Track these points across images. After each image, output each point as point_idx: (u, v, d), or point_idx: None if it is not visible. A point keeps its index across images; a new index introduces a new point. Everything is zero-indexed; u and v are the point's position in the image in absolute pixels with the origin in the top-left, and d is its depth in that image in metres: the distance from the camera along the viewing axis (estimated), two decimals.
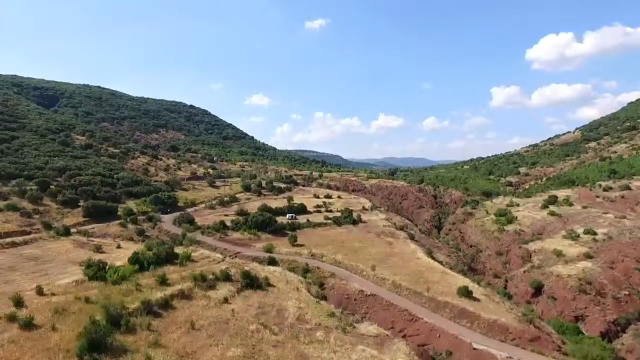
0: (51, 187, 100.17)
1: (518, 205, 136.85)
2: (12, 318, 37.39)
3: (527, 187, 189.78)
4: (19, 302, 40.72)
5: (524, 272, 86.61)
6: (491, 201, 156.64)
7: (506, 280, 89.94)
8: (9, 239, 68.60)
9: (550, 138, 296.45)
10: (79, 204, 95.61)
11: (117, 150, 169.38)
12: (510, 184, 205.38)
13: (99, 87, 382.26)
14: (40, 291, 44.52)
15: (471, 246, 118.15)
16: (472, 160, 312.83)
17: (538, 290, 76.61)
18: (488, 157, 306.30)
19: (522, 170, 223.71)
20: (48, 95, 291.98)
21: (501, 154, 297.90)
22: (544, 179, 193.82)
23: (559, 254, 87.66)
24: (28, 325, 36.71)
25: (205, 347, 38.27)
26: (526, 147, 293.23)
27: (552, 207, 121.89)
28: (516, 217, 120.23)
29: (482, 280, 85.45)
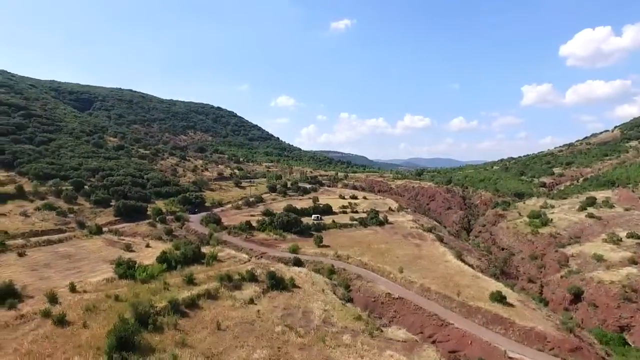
0: (85, 187, 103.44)
1: (553, 207, 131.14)
2: (46, 314, 38.45)
3: (562, 188, 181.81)
4: (53, 299, 41.86)
5: (561, 277, 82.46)
6: (523, 202, 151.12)
7: (542, 286, 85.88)
8: (45, 237, 71.11)
9: (586, 137, 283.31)
10: (111, 203, 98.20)
11: (147, 152, 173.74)
12: (543, 184, 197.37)
13: (131, 90, 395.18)
14: (73, 288, 45.67)
15: (503, 249, 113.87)
16: (502, 160, 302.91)
17: (577, 297, 72.57)
18: (519, 157, 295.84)
19: (557, 170, 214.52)
20: (83, 98, 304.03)
21: (533, 154, 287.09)
22: (581, 179, 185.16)
23: (599, 258, 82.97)
24: (61, 321, 37.58)
25: (231, 348, 37.94)
26: (560, 146, 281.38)
27: (590, 209, 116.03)
28: (551, 220, 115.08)
29: (515, 285, 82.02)
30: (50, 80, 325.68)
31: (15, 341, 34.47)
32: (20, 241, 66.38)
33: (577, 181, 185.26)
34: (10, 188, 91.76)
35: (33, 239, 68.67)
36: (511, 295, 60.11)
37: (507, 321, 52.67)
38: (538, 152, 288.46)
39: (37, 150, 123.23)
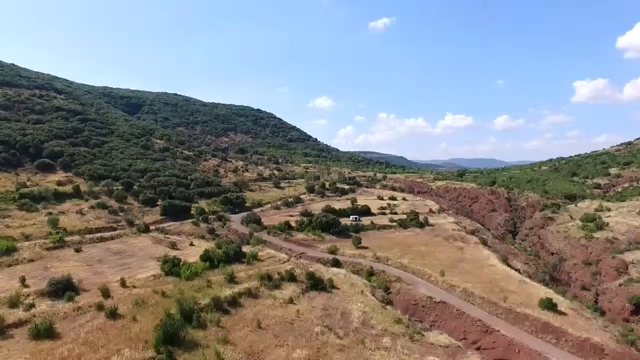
0: (134, 187, 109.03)
1: (609, 210, 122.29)
2: (100, 307, 40.88)
3: (619, 190, 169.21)
4: (106, 293, 44.41)
5: (620, 285, 76.59)
6: (575, 205, 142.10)
7: (597, 294, 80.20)
8: (98, 234, 75.69)
9: None
10: (157, 203, 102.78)
11: (190, 153, 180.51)
12: (598, 186, 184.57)
13: (175, 94, 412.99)
14: (123, 283, 48.26)
15: (552, 254, 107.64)
16: (551, 160, 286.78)
17: (639, 307, 67.02)
18: (570, 156, 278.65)
19: (613, 171, 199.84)
20: (132, 103, 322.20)
21: (586, 153, 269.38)
22: None
23: None
24: (113, 314, 39.77)
25: (271, 347, 38.41)
26: (618, 145, 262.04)
27: None
28: (607, 223, 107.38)
29: (567, 292, 77.14)
30: (104, 87, 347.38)
31: (73, 331, 36.86)
32: (77, 237, 71.03)
33: (638, 182, 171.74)
34: (68, 188, 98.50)
35: (88, 236, 73.34)
36: (562, 303, 56.59)
37: (559, 330, 49.61)
38: (591, 152, 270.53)
39: (91, 152, 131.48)
